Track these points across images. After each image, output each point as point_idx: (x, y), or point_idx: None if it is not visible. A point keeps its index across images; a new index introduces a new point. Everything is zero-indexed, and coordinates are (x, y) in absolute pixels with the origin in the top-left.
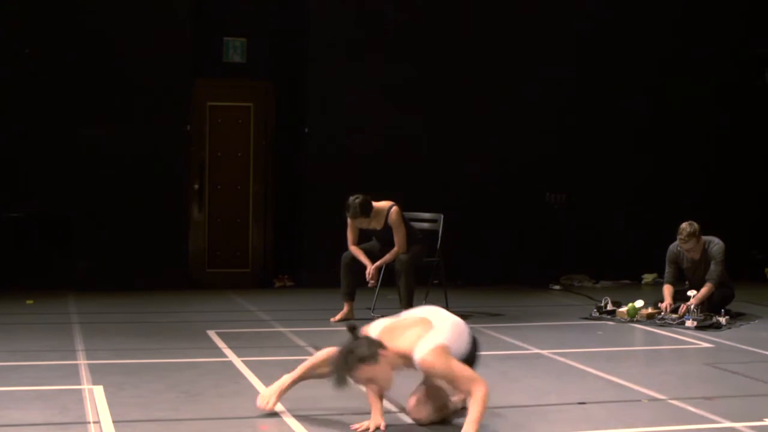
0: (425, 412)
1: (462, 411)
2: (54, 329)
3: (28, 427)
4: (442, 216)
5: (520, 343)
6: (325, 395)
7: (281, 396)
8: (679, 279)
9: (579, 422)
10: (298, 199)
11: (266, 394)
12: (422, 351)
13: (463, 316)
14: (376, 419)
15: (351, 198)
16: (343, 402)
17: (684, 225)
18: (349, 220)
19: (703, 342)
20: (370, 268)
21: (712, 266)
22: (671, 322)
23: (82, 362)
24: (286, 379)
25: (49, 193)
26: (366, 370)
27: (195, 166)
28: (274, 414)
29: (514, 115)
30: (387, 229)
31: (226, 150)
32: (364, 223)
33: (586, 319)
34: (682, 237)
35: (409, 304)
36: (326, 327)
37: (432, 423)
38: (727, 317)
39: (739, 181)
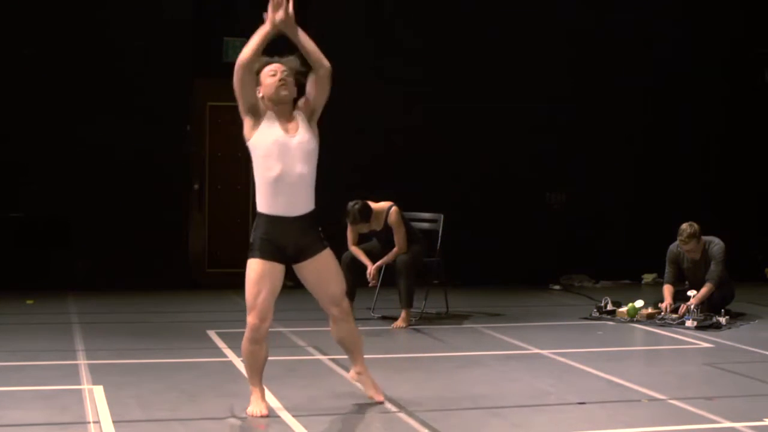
0: None
1: None
2: (54, 329)
3: (28, 427)
4: (442, 216)
5: (520, 343)
6: (325, 395)
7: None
8: (679, 279)
9: (579, 422)
10: None
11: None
12: None
13: (463, 316)
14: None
15: (350, 204)
16: (342, 402)
17: (684, 226)
18: (349, 226)
19: (703, 342)
20: (371, 269)
21: (712, 266)
22: (671, 322)
23: (82, 362)
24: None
25: (49, 193)
26: None
27: (195, 166)
28: (273, 414)
29: (515, 115)
30: (387, 229)
31: (226, 150)
32: (365, 228)
33: (586, 319)
34: (683, 238)
35: (409, 304)
36: (326, 327)
37: None
38: (727, 317)
39: (740, 181)
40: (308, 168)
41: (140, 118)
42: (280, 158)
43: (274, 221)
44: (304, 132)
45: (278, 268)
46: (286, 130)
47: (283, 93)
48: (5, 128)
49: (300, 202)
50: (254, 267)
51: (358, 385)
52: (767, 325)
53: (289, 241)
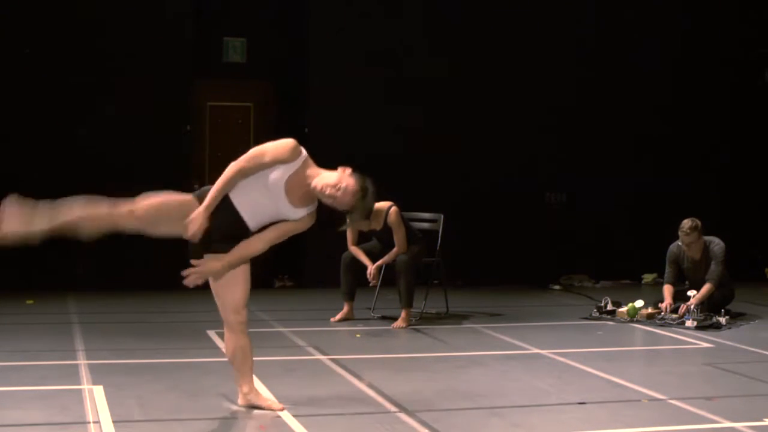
0: None
1: None
2: (54, 329)
3: (28, 427)
4: (442, 216)
5: (520, 343)
6: (325, 395)
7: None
8: (679, 279)
9: (579, 422)
10: None
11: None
12: None
13: (463, 316)
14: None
15: None
16: (343, 402)
17: (686, 220)
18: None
19: (703, 342)
20: (371, 269)
21: (713, 266)
22: (671, 322)
23: (82, 362)
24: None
25: (49, 194)
26: None
27: (195, 166)
28: (274, 414)
29: (515, 115)
30: (386, 229)
31: (226, 150)
32: (364, 226)
33: (586, 319)
34: (684, 230)
35: (408, 304)
36: (326, 327)
37: None
38: (727, 317)
39: (740, 181)
40: (273, 212)
41: (140, 118)
42: (266, 187)
43: (227, 205)
44: (297, 209)
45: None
46: (290, 192)
47: (327, 201)
48: (5, 128)
49: (253, 215)
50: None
51: (251, 404)
52: (767, 325)
53: (221, 224)
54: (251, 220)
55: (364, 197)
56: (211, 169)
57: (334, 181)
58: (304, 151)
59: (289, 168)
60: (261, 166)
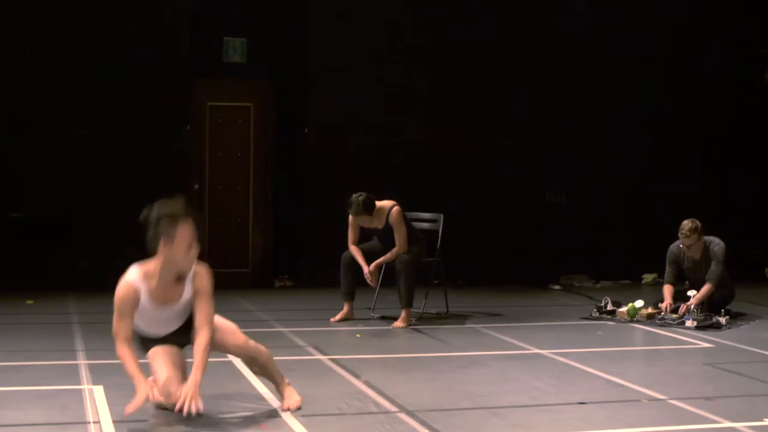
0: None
1: None
2: (54, 329)
3: (28, 427)
4: (442, 216)
5: (520, 343)
6: (325, 395)
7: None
8: (679, 279)
9: (579, 422)
10: (298, 199)
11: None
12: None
13: (463, 316)
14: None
15: (354, 195)
16: (343, 402)
17: (686, 221)
18: (350, 218)
19: (703, 342)
20: (366, 272)
21: (713, 266)
22: (671, 322)
23: (82, 362)
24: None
25: (49, 193)
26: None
27: (195, 166)
28: (274, 414)
29: (514, 114)
30: (388, 228)
31: (226, 150)
32: (366, 222)
33: (586, 319)
34: (684, 232)
35: (409, 304)
36: (326, 327)
37: None
38: (727, 317)
39: (740, 181)
40: (176, 312)
41: (140, 118)
42: (152, 321)
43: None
44: (182, 297)
45: (175, 349)
46: (165, 301)
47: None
48: (5, 128)
49: (174, 326)
50: (152, 353)
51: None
52: (767, 325)
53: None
54: (175, 331)
55: (188, 217)
56: (211, 168)
57: (181, 247)
58: (134, 275)
59: (142, 300)
60: (128, 322)
